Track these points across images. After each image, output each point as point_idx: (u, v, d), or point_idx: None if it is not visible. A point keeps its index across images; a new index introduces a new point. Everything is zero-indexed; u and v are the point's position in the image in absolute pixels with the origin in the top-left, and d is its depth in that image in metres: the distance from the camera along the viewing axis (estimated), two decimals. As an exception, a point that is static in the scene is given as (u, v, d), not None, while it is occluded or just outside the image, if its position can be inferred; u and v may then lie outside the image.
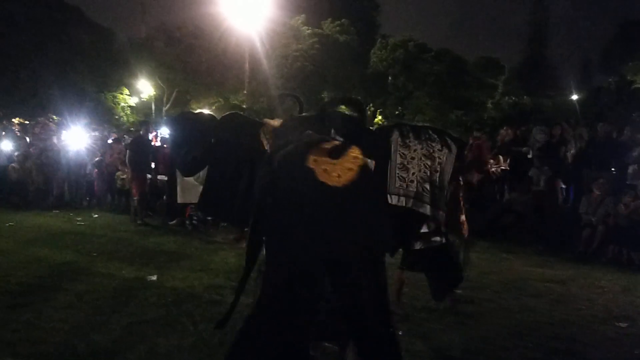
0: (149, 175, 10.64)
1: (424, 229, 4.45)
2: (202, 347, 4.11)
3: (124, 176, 11.43)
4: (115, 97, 28.21)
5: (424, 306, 5.43)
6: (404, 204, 4.24)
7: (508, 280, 6.61)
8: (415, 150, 4.11)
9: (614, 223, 8.20)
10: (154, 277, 6.12)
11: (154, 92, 30.36)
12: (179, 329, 4.48)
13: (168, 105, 29.99)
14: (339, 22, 34.31)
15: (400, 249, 4.80)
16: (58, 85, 24.03)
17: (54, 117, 18.84)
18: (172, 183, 6.94)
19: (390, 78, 35.82)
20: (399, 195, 4.25)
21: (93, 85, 26.70)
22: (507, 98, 35.87)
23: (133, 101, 29.82)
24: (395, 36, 37.39)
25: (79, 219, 10.50)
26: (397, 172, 4.14)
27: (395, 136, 4.33)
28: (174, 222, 9.74)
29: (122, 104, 28.67)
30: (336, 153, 2.63)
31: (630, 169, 8.82)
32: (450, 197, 4.18)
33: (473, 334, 4.71)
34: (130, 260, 7.02)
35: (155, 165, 11.21)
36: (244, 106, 26.80)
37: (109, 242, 8.26)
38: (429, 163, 3.97)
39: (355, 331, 2.73)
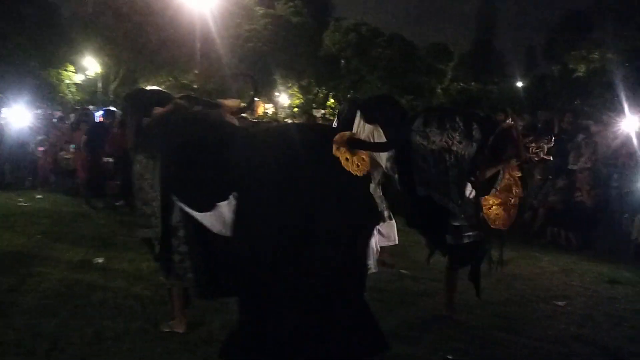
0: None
1: (456, 223, 4.42)
2: (150, 330, 4.07)
3: (69, 156, 11.06)
4: (59, 74, 27.09)
5: (373, 286, 5.51)
6: (424, 194, 4.07)
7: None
8: (433, 142, 3.94)
9: (552, 206, 8.56)
10: (101, 260, 5.99)
11: (101, 70, 29.37)
12: (127, 312, 4.43)
13: (116, 84, 29.09)
14: (292, 3, 34.02)
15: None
16: (-2, 61, 22.90)
17: (-4, 94, 17.99)
18: (125, 165, 6.84)
19: (342, 61, 35.91)
20: (423, 186, 4.10)
21: (36, 62, 25.53)
22: (455, 84, 36.65)
23: (78, 78, 28.75)
24: (349, 20, 37.45)
25: (21, 199, 10.12)
26: (420, 163, 4.03)
27: (417, 125, 4.08)
28: (120, 203, 9.49)
29: (67, 81, 27.60)
30: (354, 145, 2.97)
31: (571, 155, 9.18)
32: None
33: (419, 312, 4.87)
34: (76, 242, 6.83)
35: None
36: (195, 86, 26.28)
37: (54, 223, 8.01)
38: (447, 157, 3.81)
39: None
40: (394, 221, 5.03)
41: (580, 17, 28.47)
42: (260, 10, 32.16)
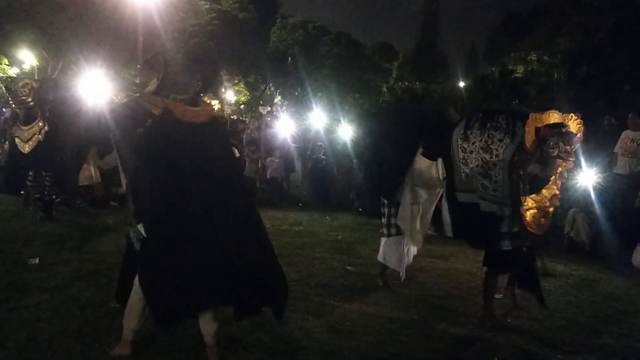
0: None
1: (504, 229, 4.13)
2: (89, 331, 3.96)
3: (2, 152, 10.58)
4: (-8, 67, 25.91)
5: (317, 282, 5.59)
6: (469, 201, 4.08)
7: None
8: (473, 143, 3.97)
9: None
10: (36, 261, 5.75)
11: (38, 63, 28.21)
12: (64, 314, 4.28)
13: (54, 77, 27.99)
14: (238, -1, 33.71)
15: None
16: None
17: None
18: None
19: (290, 58, 35.87)
20: (464, 192, 4.11)
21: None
22: (400, 83, 37.22)
23: (13, 72, 27.53)
24: (296, 17, 37.44)
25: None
26: (461, 167, 4.07)
27: (459, 128, 4.12)
28: (57, 199, 9.07)
29: (1, 75, 26.38)
30: (194, 103, 3.45)
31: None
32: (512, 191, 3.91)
33: (364, 309, 4.92)
34: (9, 242, 6.53)
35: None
36: (137, 81, 25.60)
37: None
38: (487, 157, 3.79)
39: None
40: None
41: (519, 20, 29.49)
42: (205, 5, 31.72)
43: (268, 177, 11.70)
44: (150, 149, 3.30)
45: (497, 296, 5.42)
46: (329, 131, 13.47)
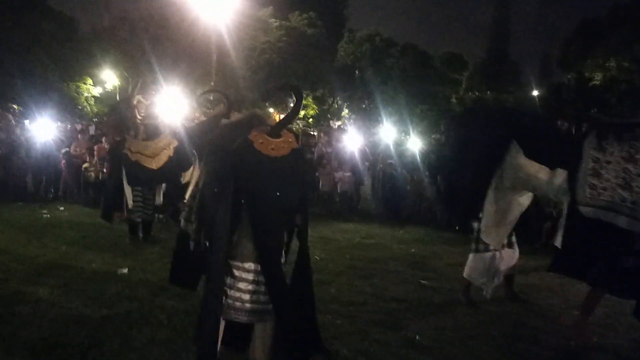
0: None
1: (637, 246, 3.86)
2: (176, 339, 4.15)
3: (92, 168, 11.25)
4: (78, 87, 27.58)
5: (393, 297, 5.59)
6: (591, 216, 3.88)
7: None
8: (612, 154, 3.76)
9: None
10: (125, 270, 6.09)
11: (119, 83, 29.83)
12: (153, 322, 4.50)
13: (133, 96, 29.50)
14: (306, 15, 34.31)
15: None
16: (19, 75, 23.35)
17: (15, 107, 18.34)
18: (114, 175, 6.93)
19: (357, 72, 36.05)
20: (587, 205, 3.90)
21: (56, 75, 26.01)
22: (470, 93, 36.57)
23: (97, 91, 29.22)
24: (362, 30, 37.64)
25: (44, 211, 10.30)
26: (588, 179, 3.87)
27: (590, 139, 3.94)
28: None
29: (86, 94, 28.07)
30: (274, 134, 3.32)
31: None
32: None
33: (442, 323, 4.87)
34: (100, 253, 6.95)
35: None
36: (211, 98, 26.54)
37: (77, 235, 8.15)
38: (630, 167, 3.60)
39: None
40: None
41: (595, 25, 28.33)
42: (275, 23, 32.50)
43: (339, 190, 11.80)
44: (223, 175, 3.30)
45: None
46: (398, 144, 13.45)
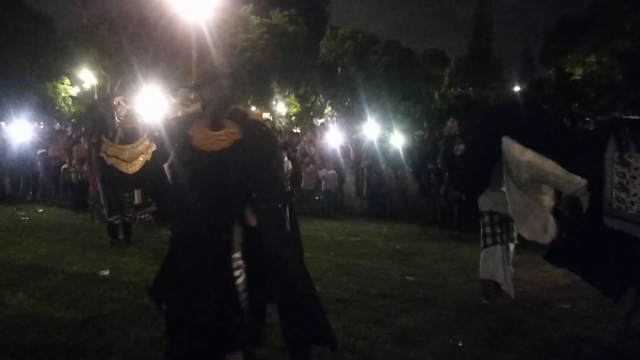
0: None
1: None
2: (161, 340, 4.09)
3: (72, 169, 11.10)
4: (55, 87, 27.20)
5: (378, 293, 5.59)
6: (617, 228, 3.84)
7: (457, 267, 6.85)
8: (637, 168, 3.75)
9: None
10: (107, 272, 6.01)
11: (97, 82, 29.48)
12: (137, 323, 4.44)
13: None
14: (287, 12, 34.19)
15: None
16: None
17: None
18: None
19: (339, 69, 36.05)
20: (614, 217, 3.87)
21: (33, 75, 25.63)
22: (452, 90, 36.80)
23: (74, 91, 28.85)
24: (345, 27, 37.64)
25: (22, 213, 10.13)
26: (615, 192, 3.85)
27: (610, 150, 3.91)
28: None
29: (63, 94, 27.69)
30: (217, 127, 3.13)
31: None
32: None
33: (426, 317, 4.88)
34: (81, 255, 6.84)
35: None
36: (192, 96, 26.37)
37: (57, 237, 8.02)
38: None
39: None
40: None
41: (576, 21, 28.66)
42: (255, 20, 32.34)
43: (323, 189, 11.78)
44: (173, 175, 3.23)
45: (564, 306, 5.31)
46: (382, 140, 13.46)
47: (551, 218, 4.88)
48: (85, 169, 10.60)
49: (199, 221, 3.09)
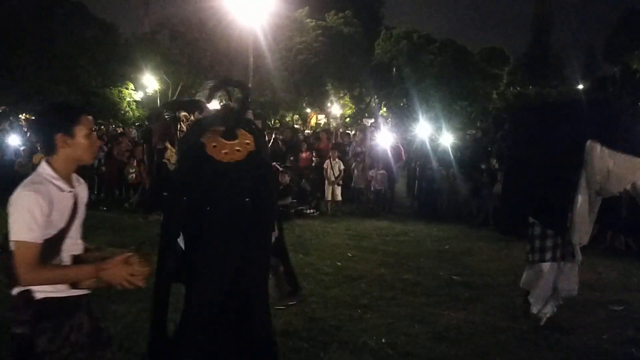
0: None
1: None
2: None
3: (133, 170, 11.60)
4: (120, 92, 28.39)
5: (423, 292, 5.60)
6: None
7: (505, 267, 6.75)
8: None
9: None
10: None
11: (159, 87, 30.53)
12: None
13: (173, 100, 30.19)
14: (342, 14, 34.30)
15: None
16: (63, 81, 24.21)
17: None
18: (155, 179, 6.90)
19: (394, 69, 35.82)
20: None
21: (98, 81, 26.87)
22: (511, 88, 35.85)
23: (138, 96, 29.99)
24: (400, 28, 37.38)
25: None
26: None
27: None
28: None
29: (128, 99, 28.86)
30: (230, 136, 2.82)
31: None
32: None
33: (471, 317, 4.87)
34: (138, 249, 7.15)
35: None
36: (249, 99, 26.90)
37: (116, 234, 8.41)
38: None
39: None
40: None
41: (639, 16, 27.40)
42: (311, 23, 32.63)
43: (372, 189, 11.82)
44: (181, 184, 2.91)
45: (616, 308, 5.16)
46: (433, 140, 13.36)
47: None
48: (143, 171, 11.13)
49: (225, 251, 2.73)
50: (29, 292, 2.13)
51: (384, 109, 37.80)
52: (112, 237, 8.20)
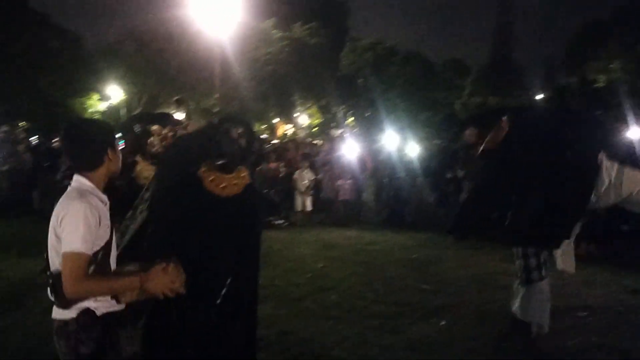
0: None
1: None
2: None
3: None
4: (84, 102, 27.87)
5: (394, 301, 5.64)
6: None
7: (474, 275, 6.86)
8: None
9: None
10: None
11: (124, 97, 30.08)
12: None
13: (139, 110, 29.73)
14: (308, 25, 34.51)
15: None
16: (27, 93, 23.63)
17: (21, 124, 18.55)
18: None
19: (360, 80, 36.21)
20: None
21: (62, 91, 26.32)
22: (474, 99, 36.63)
23: (103, 107, 29.49)
24: (365, 39, 37.85)
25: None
26: None
27: None
28: None
29: (92, 110, 28.34)
30: (227, 169, 2.78)
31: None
32: None
33: (442, 326, 4.92)
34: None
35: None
36: (215, 110, 26.70)
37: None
38: None
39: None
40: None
41: (597, 28, 28.35)
42: (277, 34, 32.69)
43: (340, 198, 11.87)
44: (163, 212, 2.83)
45: (581, 314, 5.27)
46: (400, 150, 13.51)
47: None
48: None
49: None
50: (90, 309, 2.15)
51: (351, 119, 38.09)
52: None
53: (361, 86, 36.05)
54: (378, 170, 12.59)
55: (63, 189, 2.30)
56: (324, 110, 38.24)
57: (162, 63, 28.47)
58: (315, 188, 11.86)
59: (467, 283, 6.46)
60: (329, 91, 35.08)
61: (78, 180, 2.26)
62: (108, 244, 2.22)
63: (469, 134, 7.41)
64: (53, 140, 14.39)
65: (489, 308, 5.40)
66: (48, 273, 2.19)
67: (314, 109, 38.42)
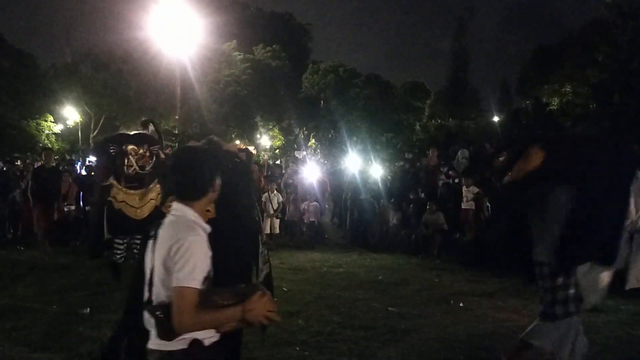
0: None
1: None
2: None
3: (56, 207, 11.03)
4: (39, 124, 27.14)
5: (360, 325, 5.59)
6: None
7: (439, 296, 6.89)
8: None
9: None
10: (87, 310, 5.93)
11: (81, 119, 29.45)
12: (116, 362, 4.38)
13: (96, 132, 29.13)
14: (270, 47, 34.72)
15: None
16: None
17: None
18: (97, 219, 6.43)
19: (322, 102, 36.51)
20: None
21: (15, 113, 25.58)
22: (433, 121, 37.36)
23: (58, 128, 28.79)
24: (326, 62, 38.28)
25: (3, 251, 9.98)
26: None
27: None
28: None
29: (47, 132, 27.62)
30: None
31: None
32: None
33: (408, 349, 4.89)
34: (59, 294, 6.72)
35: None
36: (176, 132, 26.42)
37: (33, 277, 7.86)
38: None
39: None
40: None
41: (548, 52, 29.37)
42: (239, 56, 32.74)
43: (305, 221, 11.83)
44: None
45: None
46: (363, 172, 13.61)
47: None
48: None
49: None
50: (198, 339, 2.16)
51: (313, 141, 38.28)
52: (32, 279, 7.70)
53: (323, 108, 36.34)
54: (341, 191, 12.64)
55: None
56: (286, 131, 38.35)
57: (121, 84, 28.07)
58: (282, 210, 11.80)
59: (432, 305, 6.48)
60: (291, 113, 35.24)
61: (182, 209, 2.24)
62: (209, 273, 2.21)
63: (431, 156, 7.06)
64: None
65: (455, 330, 5.42)
66: (152, 304, 2.18)
67: (276, 131, 38.47)
